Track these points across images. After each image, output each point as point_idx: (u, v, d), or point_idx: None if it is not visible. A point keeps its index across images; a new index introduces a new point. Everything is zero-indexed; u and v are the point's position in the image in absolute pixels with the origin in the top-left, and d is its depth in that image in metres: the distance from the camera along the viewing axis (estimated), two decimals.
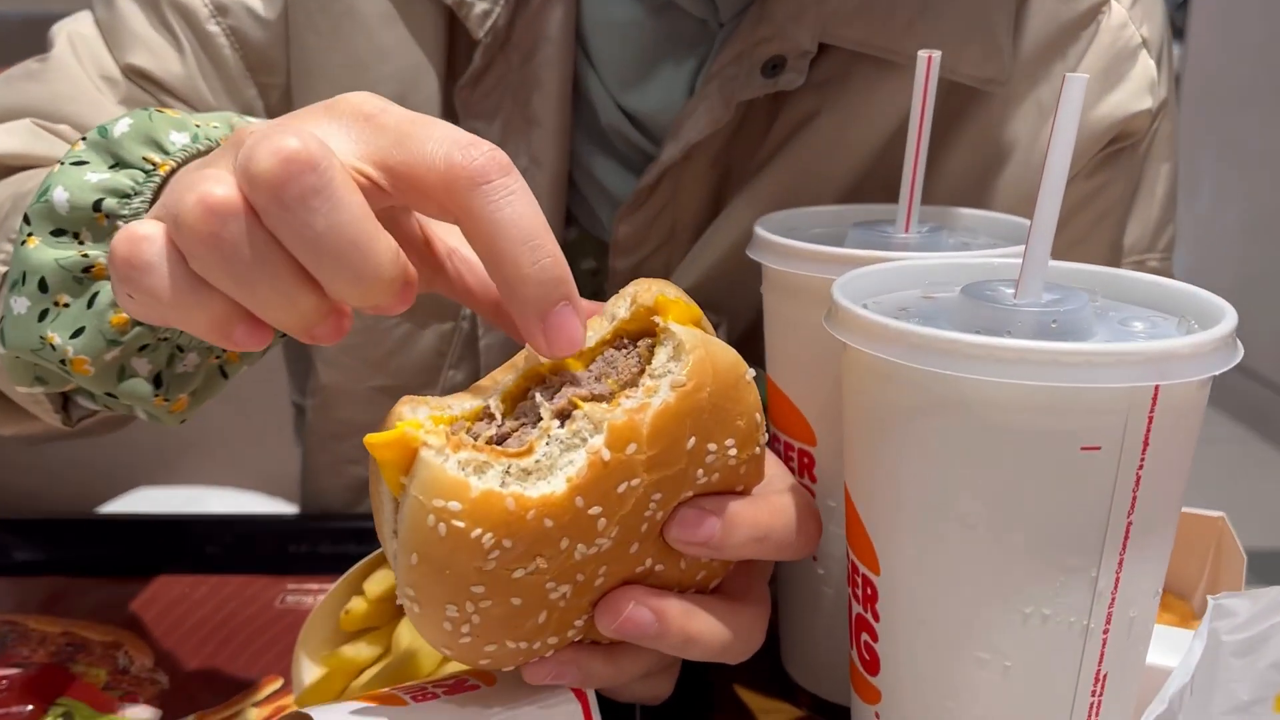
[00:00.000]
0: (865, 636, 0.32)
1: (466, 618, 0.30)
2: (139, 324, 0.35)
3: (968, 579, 0.29)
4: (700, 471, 0.31)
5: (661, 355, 0.30)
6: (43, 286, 0.35)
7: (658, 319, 0.31)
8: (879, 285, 0.33)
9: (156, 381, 0.37)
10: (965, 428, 0.27)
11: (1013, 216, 0.41)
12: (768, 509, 0.33)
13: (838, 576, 0.39)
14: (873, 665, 0.32)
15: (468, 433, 0.29)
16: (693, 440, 0.30)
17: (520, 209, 0.28)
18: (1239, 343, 0.28)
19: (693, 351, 0.30)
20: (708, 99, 0.48)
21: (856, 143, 0.49)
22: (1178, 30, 3.22)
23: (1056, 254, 0.42)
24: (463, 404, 0.30)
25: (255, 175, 0.26)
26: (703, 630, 0.32)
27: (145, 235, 0.28)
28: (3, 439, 0.47)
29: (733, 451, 0.31)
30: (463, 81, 0.51)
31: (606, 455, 0.28)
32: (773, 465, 0.35)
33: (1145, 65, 0.49)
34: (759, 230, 0.38)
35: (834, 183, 0.50)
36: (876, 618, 0.31)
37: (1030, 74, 0.49)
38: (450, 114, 0.52)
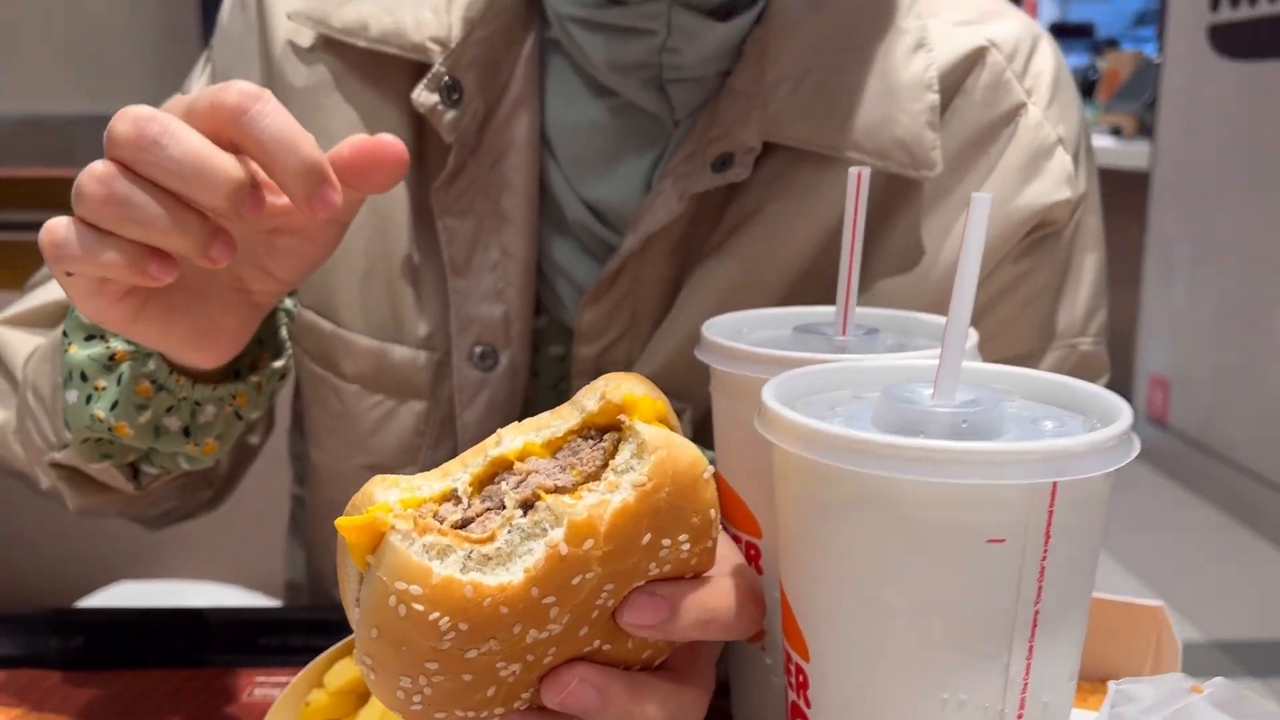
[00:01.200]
0: None
1: (419, 689, 0.31)
2: (160, 388, 0.45)
3: (890, 666, 0.30)
4: (653, 565, 0.32)
5: (625, 452, 0.32)
6: (83, 377, 0.45)
7: (624, 417, 0.32)
8: (811, 387, 0.35)
9: (186, 433, 0.46)
10: (884, 522, 0.29)
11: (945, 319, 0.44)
12: (714, 592, 0.34)
13: (783, 665, 0.40)
14: None
15: (435, 516, 0.31)
16: (648, 537, 0.31)
17: (275, 124, 0.36)
18: (1135, 439, 0.30)
19: (655, 452, 0.31)
20: (663, 193, 0.52)
21: (801, 234, 0.52)
22: (1146, 128, 3.32)
23: (987, 336, 0.43)
24: (432, 485, 0.32)
25: (116, 138, 0.36)
26: (645, 709, 0.33)
27: (53, 223, 0.37)
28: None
29: (685, 546, 0.33)
30: (438, 183, 0.54)
31: (564, 549, 0.30)
32: (723, 545, 0.37)
33: (1061, 160, 0.54)
34: (705, 333, 0.41)
35: (782, 273, 0.53)
36: (809, 704, 0.33)
37: (957, 168, 0.53)
38: (423, 210, 0.56)
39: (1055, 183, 0.53)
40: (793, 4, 0.52)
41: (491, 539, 0.30)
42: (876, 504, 0.29)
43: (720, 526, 0.35)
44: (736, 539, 0.41)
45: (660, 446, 0.31)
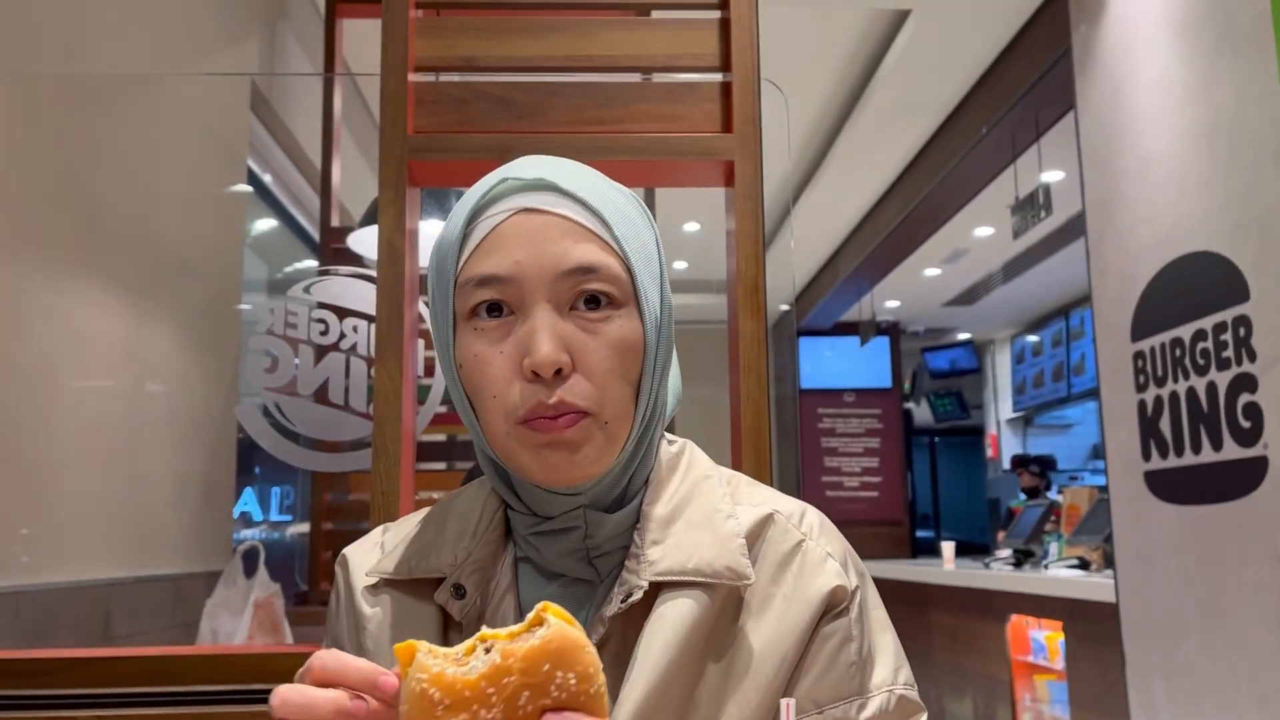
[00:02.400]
0: None
1: None
2: None
3: None
4: (553, 687, 0.55)
5: (543, 626, 0.57)
6: None
7: (546, 614, 0.57)
8: None
9: None
10: None
11: None
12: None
13: None
14: None
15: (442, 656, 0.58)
16: (547, 667, 0.55)
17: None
18: None
19: (555, 625, 0.56)
20: (596, 624, 0.79)
21: (670, 633, 0.78)
22: (1109, 558, 3.53)
23: (819, 675, 0.77)
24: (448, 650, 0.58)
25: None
26: None
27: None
28: None
29: (573, 683, 0.55)
30: (458, 649, 0.77)
31: (498, 661, 0.56)
32: None
33: (832, 564, 0.82)
34: None
35: (666, 652, 0.78)
36: None
37: (771, 582, 0.81)
38: None
39: (830, 576, 0.81)
40: (657, 513, 0.82)
41: (467, 656, 0.56)
42: None
43: (604, 693, 0.57)
44: None
45: (559, 624, 0.56)
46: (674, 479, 0.85)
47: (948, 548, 5.76)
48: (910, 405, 9.14)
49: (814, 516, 0.86)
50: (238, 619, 2.27)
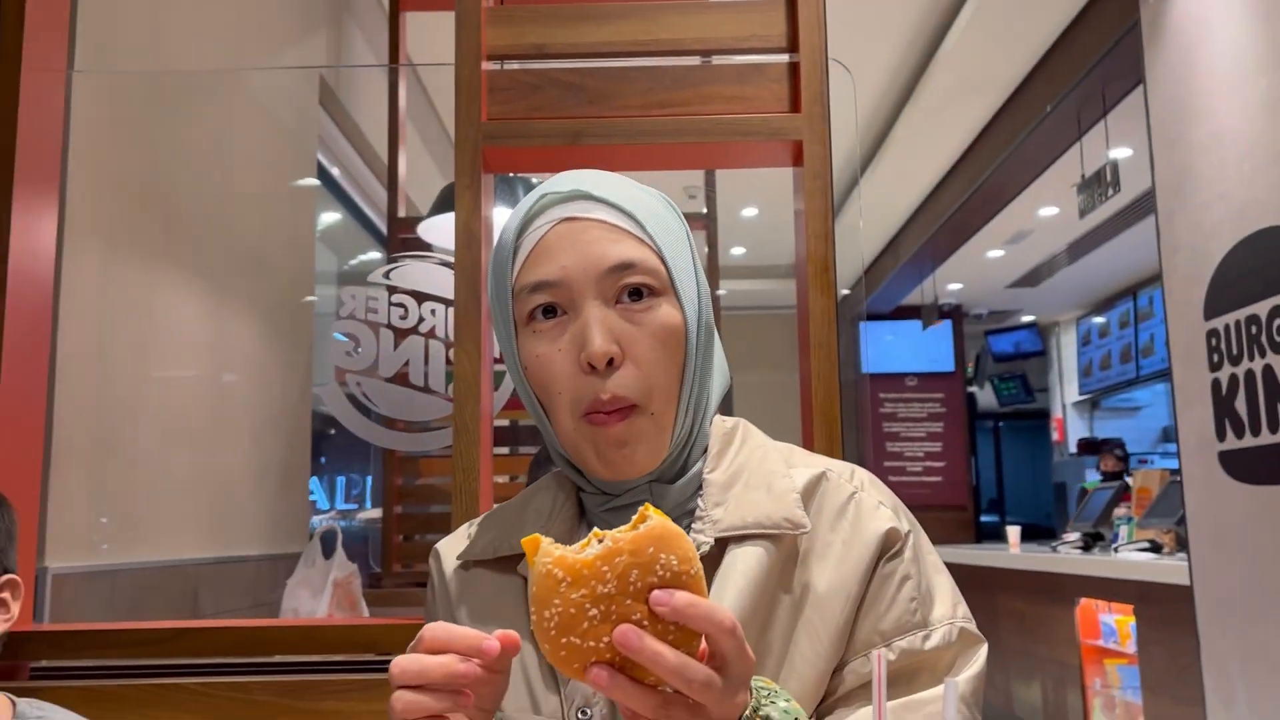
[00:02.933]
0: None
1: (552, 618, 0.61)
2: None
3: None
4: (658, 567, 0.62)
5: (646, 521, 0.63)
6: None
7: (649, 511, 0.63)
8: None
9: None
10: None
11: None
12: (697, 596, 0.63)
13: None
14: None
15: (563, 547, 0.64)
16: (651, 550, 0.62)
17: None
18: None
19: (654, 519, 0.62)
20: None
21: (739, 582, 0.83)
22: (1182, 541, 3.47)
23: (882, 610, 0.82)
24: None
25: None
26: (660, 651, 0.61)
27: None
28: None
29: (674, 564, 0.62)
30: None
31: (610, 544, 0.62)
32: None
33: (883, 511, 0.87)
34: None
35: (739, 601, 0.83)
36: None
37: (829, 531, 0.86)
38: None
39: (884, 520, 0.87)
40: (717, 479, 0.88)
41: (585, 546, 0.63)
42: None
43: (702, 574, 0.62)
44: None
45: (660, 518, 0.63)
46: (730, 450, 0.92)
47: (1013, 532, 5.70)
48: (974, 389, 9.03)
49: (864, 473, 0.93)
50: (318, 598, 2.34)
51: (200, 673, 1.40)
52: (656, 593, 0.62)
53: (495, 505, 1.00)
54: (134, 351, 2.32)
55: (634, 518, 0.64)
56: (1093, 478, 6.73)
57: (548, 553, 0.63)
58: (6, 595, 1.14)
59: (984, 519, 8.84)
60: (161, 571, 2.32)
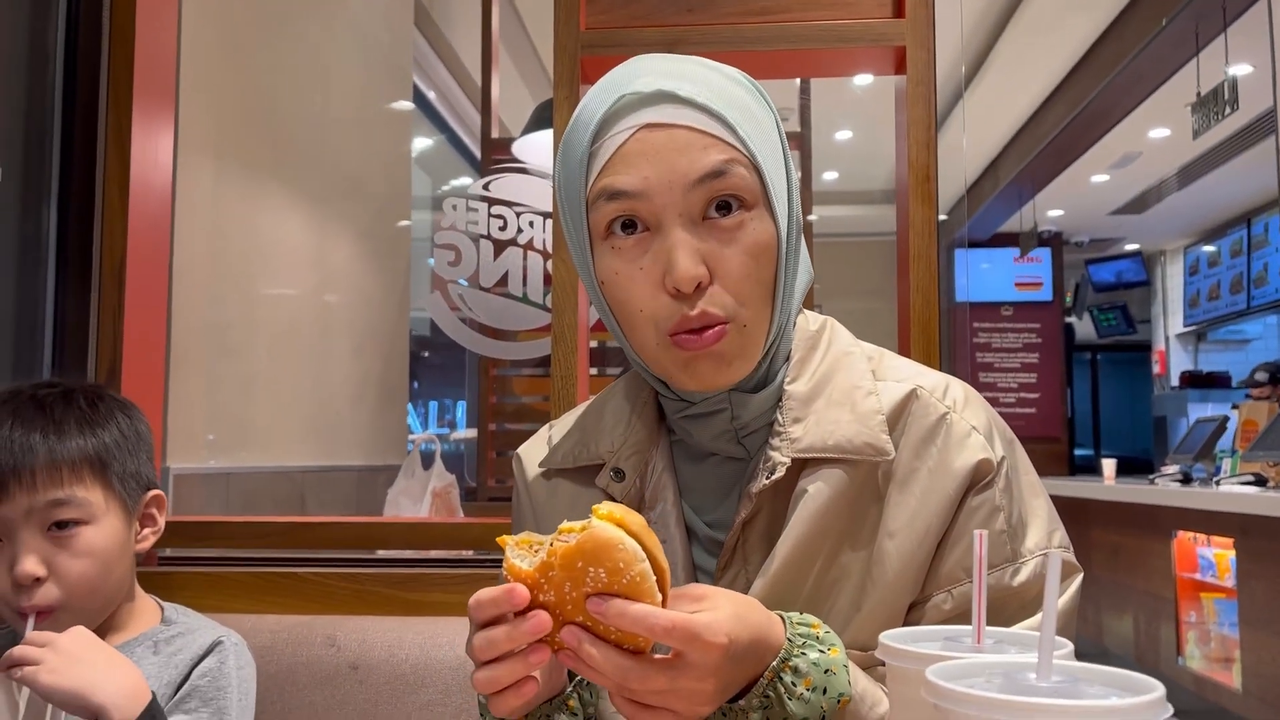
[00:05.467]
0: None
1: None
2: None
3: None
4: (588, 579, 0.64)
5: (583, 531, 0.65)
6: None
7: (592, 517, 0.65)
8: (961, 672, 0.55)
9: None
10: None
11: (1029, 633, 0.63)
12: (633, 602, 0.64)
13: None
14: None
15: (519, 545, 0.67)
16: (580, 563, 0.63)
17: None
18: (1168, 704, 0.48)
19: (586, 529, 0.64)
20: (744, 500, 0.82)
21: (822, 510, 0.81)
22: None
23: (958, 551, 0.79)
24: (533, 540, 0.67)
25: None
26: (593, 655, 0.64)
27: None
28: None
29: (604, 577, 0.63)
30: None
31: (544, 557, 0.65)
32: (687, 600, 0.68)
33: (976, 438, 0.83)
34: (885, 640, 0.61)
35: (807, 524, 0.82)
36: None
37: (915, 457, 0.83)
38: None
39: (975, 450, 0.82)
40: (799, 390, 0.84)
41: (533, 552, 0.65)
42: None
43: (646, 576, 0.63)
44: None
45: (597, 525, 0.64)
46: (815, 356, 0.86)
47: (1109, 464, 5.58)
48: (1072, 320, 8.78)
49: (958, 389, 0.87)
50: (417, 506, 2.43)
51: (313, 564, 1.48)
52: (590, 602, 0.64)
53: (576, 408, 0.99)
54: (243, 267, 2.41)
55: (590, 513, 0.66)
56: (1198, 412, 6.53)
57: (506, 559, 0.67)
58: (154, 510, 1.19)
59: (1078, 452, 8.67)
60: (271, 476, 2.44)
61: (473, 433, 3.50)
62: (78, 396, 1.13)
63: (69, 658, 0.95)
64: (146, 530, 1.17)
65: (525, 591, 0.65)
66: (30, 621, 1.03)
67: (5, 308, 1.63)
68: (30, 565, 1.03)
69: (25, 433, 1.06)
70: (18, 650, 0.95)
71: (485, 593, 0.66)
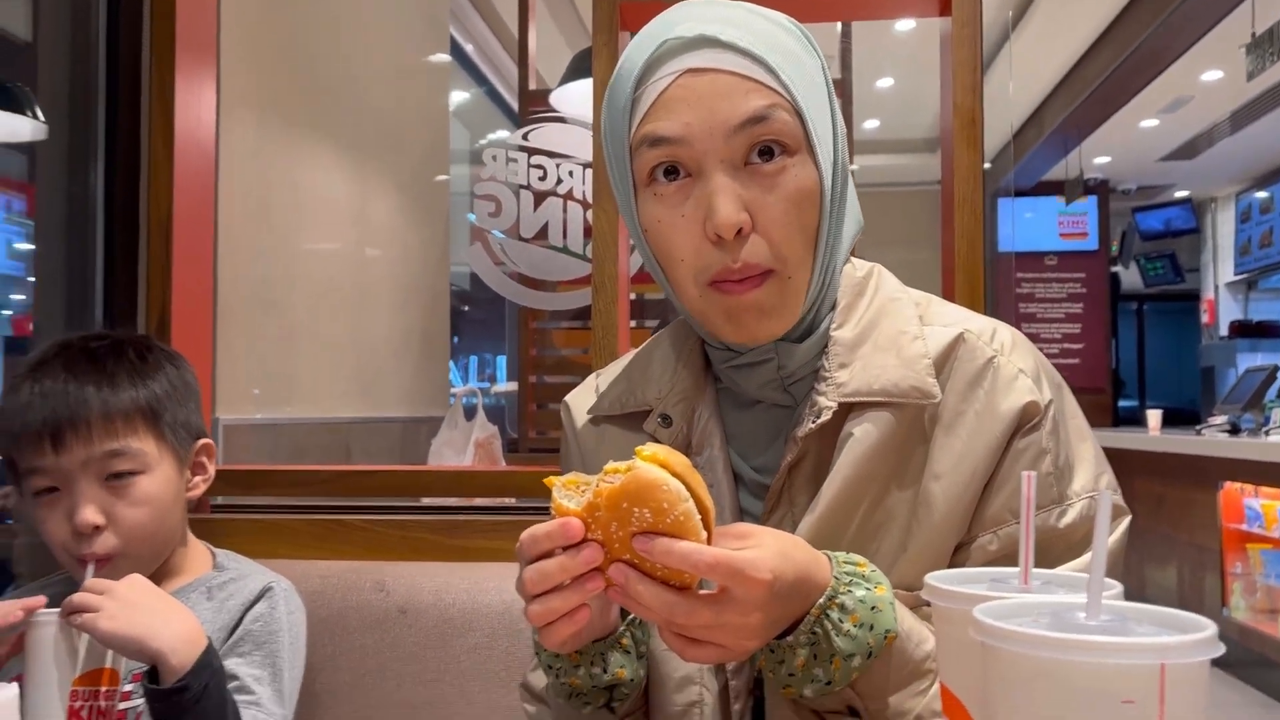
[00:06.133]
0: None
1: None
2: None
3: None
4: (633, 519, 0.64)
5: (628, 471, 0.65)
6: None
7: (635, 460, 0.65)
8: (1009, 612, 0.55)
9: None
10: (1059, 690, 0.48)
11: (1076, 574, 0.63)
12: (665, 548, 0.64)
13: None
14: None
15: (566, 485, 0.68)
16: (626, 504, 0.64)
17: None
18: (1219, 642, 0.48)
19: (630, 471, 0.65)
20: (790, 444, 0.82)
21: (869, 453, 0.81)
22: None
23: (1004, 494, 0.78)
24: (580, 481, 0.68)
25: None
26: (641, 593, 0.65)
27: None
28: None
29: (648, 516, 0.64)
30: None
31: (590, 498, 0.66)
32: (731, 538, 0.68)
33: (1023, 381, 0.82)
34: (931, 582, 0.61)
35: (855, 464, 0.82)
36: None
37: (962, 400, 0.82)
38: None
39: (1022, 393, 0.82)
40: (845, 336, 0.84)
41: (580, 493, 0.66)
42: (1054, 678, 0.48)
43: (690, 515, 0.64)
44: None
45: (641, 467, 0.65)
46: (861, 302, 0.86)
47: (1154, 415, 5.51)
48: (1117, 269, 8.63)
49: (1006, 333, 0.86)
50: (461, 456, 2.45)
51: (360, 512, 1.50)
52: (636, 540, 0.64)
53: (623, 356, 0.99)
54: (285, 222, 2.43)
55: (634, 454, 0.67)
56: (1247, 362, 6.41)
57: (554, 499, 0.68)
58: (204, 458, 1.21)
59: (1123, 404, 8.56)
60: (316, 427, 2.48)
61: (513, 386, 3.52)
62: (127, 348, 1.15)
63: (127, 604, 0.98)
64: (197, 478, 1.20)
65: (579, 525, 0.66)
66: (90, 569, 1.06)
67: (56, 265, 1.67)
68: (90, 514, 1.06)
69: (79, 385, 1.08)
70: (78, 597, 0.98)
71: (537, 528, 0.67)
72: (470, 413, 2.48)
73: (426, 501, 1.68)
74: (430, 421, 2.76)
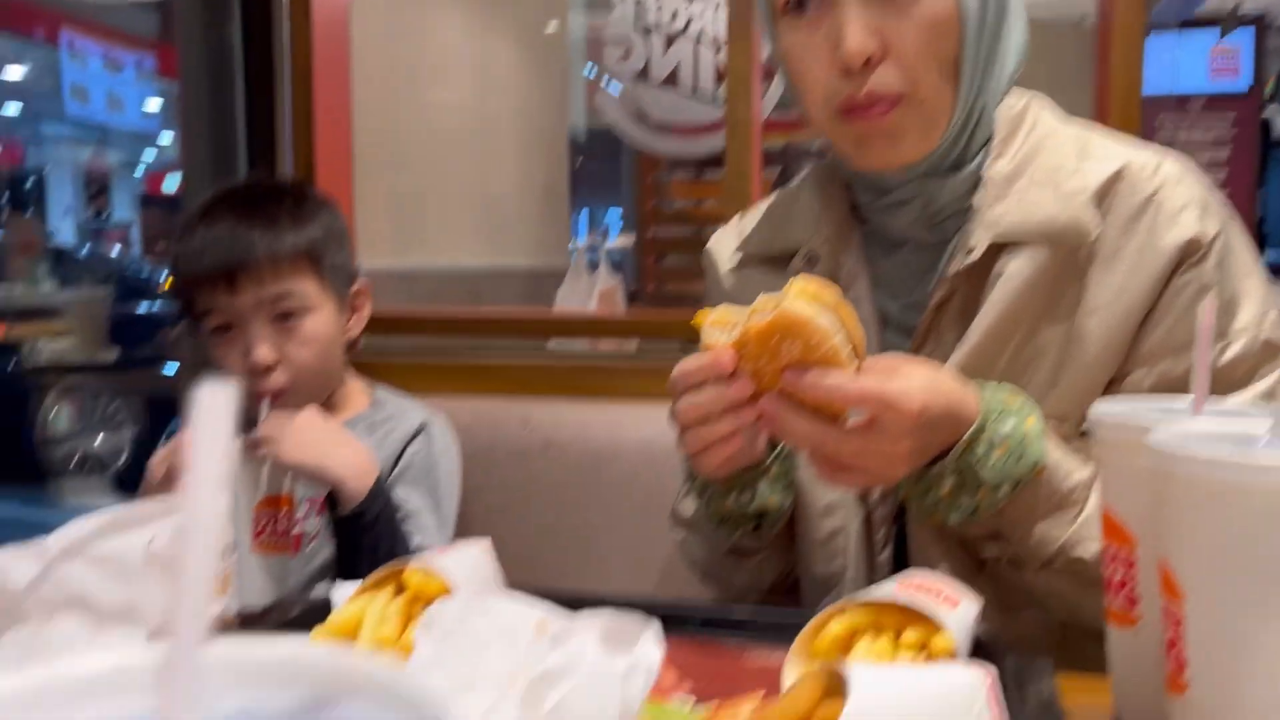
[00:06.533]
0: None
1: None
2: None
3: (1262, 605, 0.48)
4: (784, 354, 0.66)
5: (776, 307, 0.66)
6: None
7: (788, 292, 0.66)
8: (1180, 439, 0.55)
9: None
10: (1234, 510, 0.48)
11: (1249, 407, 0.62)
12: (813, 380, 0.66)
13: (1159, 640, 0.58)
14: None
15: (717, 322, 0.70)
16: (777, 338, 0.65)
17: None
18: None
19: (781, 305, 0.65)
20: (940, 283, 0.82)
21: (1012, 286, 0.80)
22: None
23: (1163, 329, 0.80)
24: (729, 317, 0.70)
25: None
26: (787, 420, 0.67)
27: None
28: None
29: (797, 350, 0.65)
30: None
31: (738, 335, 0.67)
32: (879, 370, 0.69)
33: (1188, 214, 0.80)
34: (1096, 410, 0.61)
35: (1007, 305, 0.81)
36: (1187, 662, 0.51)
37: (1123, 235, 0.81)
38: None
39: (1186, 227, 0.79)
40: (999, 170, 0.82)
41: (730, 330, 0.68)
42: (1232, 499, 0.48)
43: (839, 350, 0.65)
44: (1116, 553, 0.60)
45: (790, 302, 0.65)
46: (1018, 137, 0.84)
47: None
48: (1270, 115, 8.02)
49: (1172, 166, 0.83)
50: (585, 304, 2.50)
51: (498, 352, 1.56)
52: (786, 374, 0.66)
53: (765, 199, 0.99)
54: (412, 73, 2.45)
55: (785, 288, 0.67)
56: None
57: (706, 332, 0.69)
58: (360, 300, 1.26)
59: (1269, 257, 8.10)
60: (447, 275, 2.55)
61: (629, 239, 3.52)
62: (286, 193, 1.20)
63: (307, 436, 1.05)
64: (354, 318, 1.26)
65: (731, 356, 0.68)
66: (265, 404, 1.14)
67: (201, 120, 1.72)
68: (264, 353, 1.13)
69: (246, 229, 1.14)
70: (262, 429, 1.06)
71: (691, 360, 0.70)
72: (593, 264, 2.51)
73: (558, 344, 1.72)
74: (553, 273, 2.81)
